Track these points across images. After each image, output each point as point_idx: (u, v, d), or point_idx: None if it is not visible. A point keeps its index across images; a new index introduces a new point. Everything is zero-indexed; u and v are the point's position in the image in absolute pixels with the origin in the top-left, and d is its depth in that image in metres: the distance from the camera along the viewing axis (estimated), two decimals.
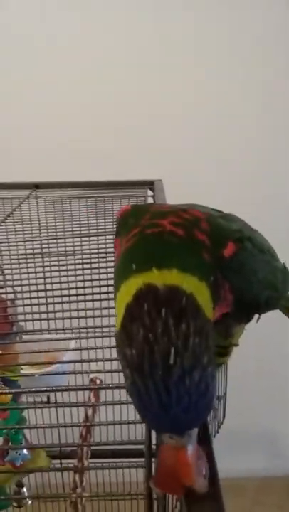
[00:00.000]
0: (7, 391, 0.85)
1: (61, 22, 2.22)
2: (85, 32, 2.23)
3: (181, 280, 0.53)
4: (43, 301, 0.95)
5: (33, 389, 0.81)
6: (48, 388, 0.81)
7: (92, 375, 1.55)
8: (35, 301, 0.94)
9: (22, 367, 1.16)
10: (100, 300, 0.93)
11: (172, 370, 0.46)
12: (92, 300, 0.93)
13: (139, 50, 2.26)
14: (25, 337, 1.06)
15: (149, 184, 1.61)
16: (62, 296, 0.95)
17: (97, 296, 0.94)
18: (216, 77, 2.30)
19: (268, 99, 2.34)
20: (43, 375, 1.13)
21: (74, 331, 1.01)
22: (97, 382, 1.34)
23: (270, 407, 2.64)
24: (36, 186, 1.60)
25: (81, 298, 0.94)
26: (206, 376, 0.47)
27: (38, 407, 0.90)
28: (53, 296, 0.96)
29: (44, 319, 0.92)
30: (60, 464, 1.70)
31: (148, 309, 0.50)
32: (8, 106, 2.25)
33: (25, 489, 1.54)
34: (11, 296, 1.03)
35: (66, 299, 0.94)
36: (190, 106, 2.31)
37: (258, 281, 0.66)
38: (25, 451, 1.27)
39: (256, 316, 0.74)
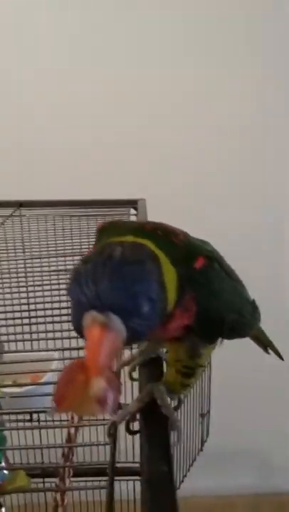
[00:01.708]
0: None
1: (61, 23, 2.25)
2: (80, 39, 2.25)
3: (153, 248, 0.60)
4: (26, 321, 0.96)
5: (16, 409, 0.82)
6: (30, 409, 0.81)
7: None
8: (18, 321, 0.95)
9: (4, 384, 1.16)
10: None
11: (115, 256, 0.53)
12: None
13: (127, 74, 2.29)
14: (8, 355, 1.06)
15: (133, 203, 1.62)
16: (45, 316, 0.96)
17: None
18: (207, 98, 2.35)
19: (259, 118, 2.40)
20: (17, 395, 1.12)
21: (57, 347, 1.01)
22: None
23: (260, 425, 2.64)
24: (20, 204, 1.61)
25: (64, 318, 0.95)
26: (144, 274, 0.53)
27: (21, 429, 0.89)
28: (37, 317, 0.97)
29: (27, 340, 0.92)
30: (43, 482, 1.69)
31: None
32: None
33: (3, 510, 1.52)
34: None
35: (50, 319, 0.95)
36: (176, 124, 2.35)
37: (224, 302, 0.70)
38: (4, 470, 1.27)
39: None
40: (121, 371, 0.81)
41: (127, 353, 0.86)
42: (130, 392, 0.93)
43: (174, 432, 0.71)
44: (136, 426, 0.71)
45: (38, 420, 1.46)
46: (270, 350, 0.99)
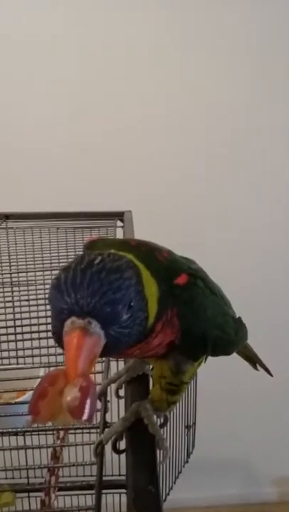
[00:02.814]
0: None
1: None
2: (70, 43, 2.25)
3: (134, 260, 0.60)
4: (12, 337, 0.95)
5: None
6: (14, 429, 0.80)
7: None
8: (4, 337, 0.94)
9: None
10: None
11: (94, 265, 0.54)
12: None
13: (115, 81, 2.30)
14: None
15: (119, 215, 1.63)
16: (32, 332, 0.95)
17: None
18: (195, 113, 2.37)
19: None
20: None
21: (43, 364, 1.01)
22: None
23: (246, 435, 2.65)
24: (6, 217, 1.60)
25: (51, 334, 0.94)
26: (123, 281, 0.54)
27: (6, 449, 0.87)
28: (23, 333, 0.96)
29: (13, 357, 0.92)
30: (28, 497, 1.66)
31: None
32: None
33: None
34: None
35: (36, 335, 0.94)
36: (163, 135, 2.36)
37: (207, 318, 0.70)
38: None
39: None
40: (107, 389, 0.81)
41: (113, 371, 0.86)
42: (117, 411, 0.93)
43: (161, 450, 0.71)
44: (122, 445, 0.71)
45: (24, 434, 1.44)
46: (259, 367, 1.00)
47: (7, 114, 2.25)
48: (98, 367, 0.83)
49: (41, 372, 1.22)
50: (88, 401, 0.49)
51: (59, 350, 0.92)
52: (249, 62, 2.34)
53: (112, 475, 1.62)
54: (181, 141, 2.38)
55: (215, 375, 1.99)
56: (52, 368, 0.52)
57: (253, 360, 1.00)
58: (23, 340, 0.93)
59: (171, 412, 1.58)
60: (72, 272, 0.53)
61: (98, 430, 0.73)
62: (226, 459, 2.72)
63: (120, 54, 2.26)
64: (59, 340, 0.53)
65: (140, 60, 2.28)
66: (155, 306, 0.61)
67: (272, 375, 1.03)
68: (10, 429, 0.77)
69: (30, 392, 1.23)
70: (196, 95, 2.34)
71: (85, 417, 0.48)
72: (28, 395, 1.26)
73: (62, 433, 1.36)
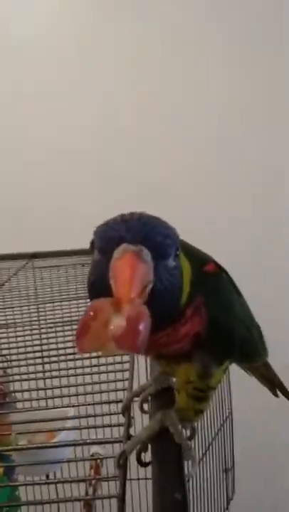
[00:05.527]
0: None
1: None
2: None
3: None
4: (40, 375, 0.92)
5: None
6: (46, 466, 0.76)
7: (92, 451, 1.48)
8: (32, 376, 0.91)
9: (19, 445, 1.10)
10: (99, 373, 0.89)
11: (144, 213, 0.56)
12: (91, 373, 0.90)
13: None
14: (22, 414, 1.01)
15: None
16: (60, 369, 0.92)
17: (95, 369, 0.91)
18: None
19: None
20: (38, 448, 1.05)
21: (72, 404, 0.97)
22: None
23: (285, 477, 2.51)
24: (33, 256, 1.59)
25: (79, 371, 0.91)
26: (170, 226, 0.56)
27: (36, 484, 0.82)
28: (51, 370, 0.93)
29: (42, 398, 0.88)
30: None
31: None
32: (6, 176, 2.30)
33: None
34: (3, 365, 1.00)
35: (64, 372, 0.91)
36: (182, 157, 2.37)
37: (235, 314, 0.70)
38: None
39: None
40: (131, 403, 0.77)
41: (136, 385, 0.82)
42: (142, 426, 0.88)
43: (189, 461, 0.67)
44: (147, 457, 0.67)
45: (55, 482, 1.38)
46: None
47: (28, 154, 2.29)
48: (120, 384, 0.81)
49: (71, 412, 1.18)
50: (135, 330, 0.45)
51: (88, 389, 0.88)
52: (250, 62, 2.35)
53: None
54: (200, 160, 2.38)
55: (251, 415, 1.91)
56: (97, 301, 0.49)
57: (273, 382, 0.93)
58: (51, 377, 0.90)
59: (207, 454, 1.49)
60: (120, 216, 0.55)
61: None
62: (268, 503, 2.56)
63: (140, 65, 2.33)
64: (96, 291, 0.52)
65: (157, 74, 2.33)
66: (188, 285, 0.60)
67: None
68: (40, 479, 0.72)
69: (62, 434, 1.19)
70: (214, 112, 2.37)
71: (129, 346, 0.45)
72: (59, 437, 1.21)
73: (94, 481, 1.31)
